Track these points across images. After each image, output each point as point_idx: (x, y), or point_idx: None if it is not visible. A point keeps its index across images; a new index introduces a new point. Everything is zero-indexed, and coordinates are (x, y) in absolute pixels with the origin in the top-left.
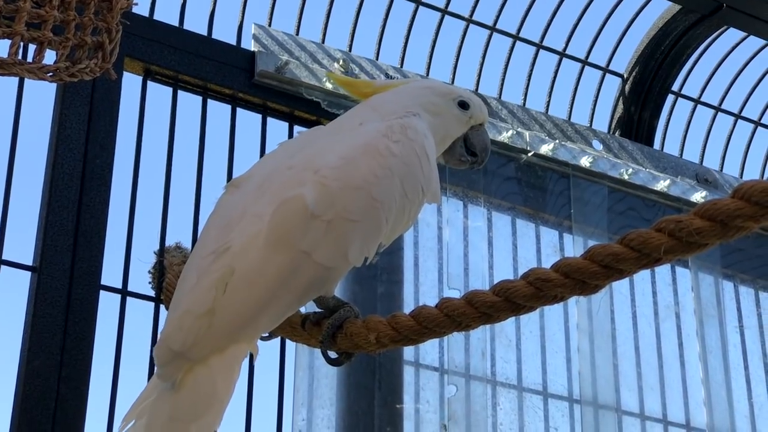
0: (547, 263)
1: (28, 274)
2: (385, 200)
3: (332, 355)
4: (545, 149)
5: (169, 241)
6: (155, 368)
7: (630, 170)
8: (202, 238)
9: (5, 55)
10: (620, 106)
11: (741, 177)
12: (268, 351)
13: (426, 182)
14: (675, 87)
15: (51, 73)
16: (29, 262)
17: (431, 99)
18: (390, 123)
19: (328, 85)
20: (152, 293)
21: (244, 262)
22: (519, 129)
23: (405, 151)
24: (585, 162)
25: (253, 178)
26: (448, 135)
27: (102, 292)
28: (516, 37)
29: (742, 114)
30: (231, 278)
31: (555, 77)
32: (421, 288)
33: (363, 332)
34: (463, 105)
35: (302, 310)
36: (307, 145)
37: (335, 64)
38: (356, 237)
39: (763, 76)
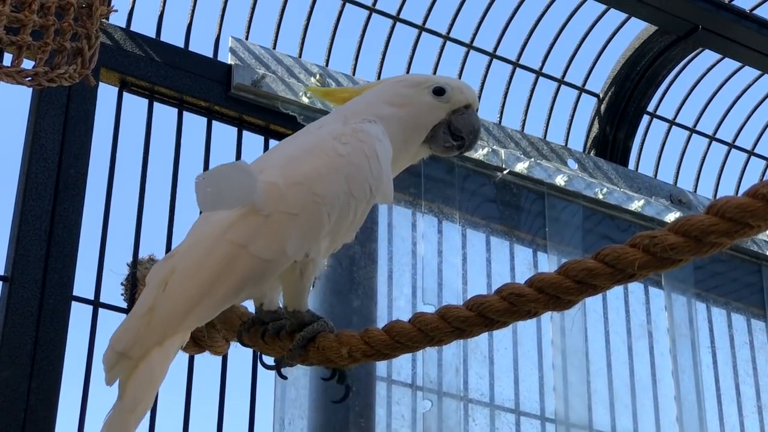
0: (521, 280)
1: (0, 283)
2: (327, 196)
3: (269, 362)
4: (520, 167)
5: (143, 253)
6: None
7: (605, 190)
8: None
9: None
10: (596, 126)
11: (715, 198)
12: (242, 357)
13: (375, 182)
14: (650, 108)
15: (29, 78)
16: (1, 271)
17: (398, 91)
18: (343, 129)
19: (305, 99)
20: (124, 305)
21: (184, 259)
22: (494, 147)
23: (352, 151)
24: (560, 181)
25: None
26: (420, 124)
27: (74, 303)
28: (493, 55)
29: (717, 135)
30: (171, 276)
31: (531, 96)
32: (396, 303)
33: (335, 346)
34: (439, 91)
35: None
36: (272, 150)
37: (312, 79)
38: (294, 231)
39: (738, 98)
